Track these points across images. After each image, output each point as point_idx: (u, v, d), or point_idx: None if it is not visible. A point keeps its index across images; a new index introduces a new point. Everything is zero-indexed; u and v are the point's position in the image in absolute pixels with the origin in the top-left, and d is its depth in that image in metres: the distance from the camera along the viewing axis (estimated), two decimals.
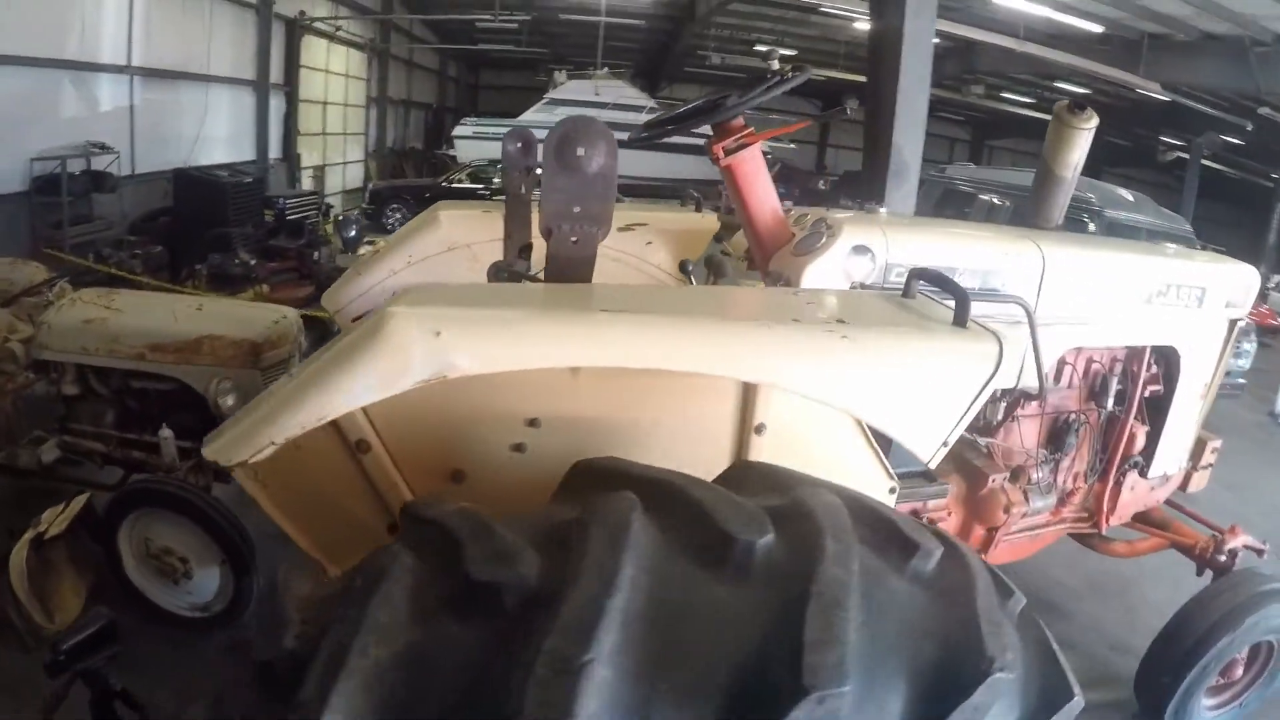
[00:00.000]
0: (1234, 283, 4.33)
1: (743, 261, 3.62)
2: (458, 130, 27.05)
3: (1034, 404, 3.89)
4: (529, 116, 26.74)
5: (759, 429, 2.17)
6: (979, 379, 2.18)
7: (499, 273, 2.67)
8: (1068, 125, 4.36)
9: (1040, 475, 4.06)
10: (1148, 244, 5.59)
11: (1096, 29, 16.88)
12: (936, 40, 22.13)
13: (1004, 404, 3.84)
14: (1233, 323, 4.44)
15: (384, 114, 27.97)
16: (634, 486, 1.55)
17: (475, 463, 1.99)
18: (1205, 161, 24.67)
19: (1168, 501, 5.02)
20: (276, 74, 19.99)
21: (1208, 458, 4.88)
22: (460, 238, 3.89)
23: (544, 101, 27.39)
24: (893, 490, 2.63)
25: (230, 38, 17.98)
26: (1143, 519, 4.94)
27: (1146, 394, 4.27)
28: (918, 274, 2.51)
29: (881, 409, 2.13)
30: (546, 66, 31.98)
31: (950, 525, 3.94)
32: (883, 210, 3.79)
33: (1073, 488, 4.32)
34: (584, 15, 24.84)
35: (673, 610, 1.32)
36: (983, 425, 3.89)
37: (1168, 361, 4.30)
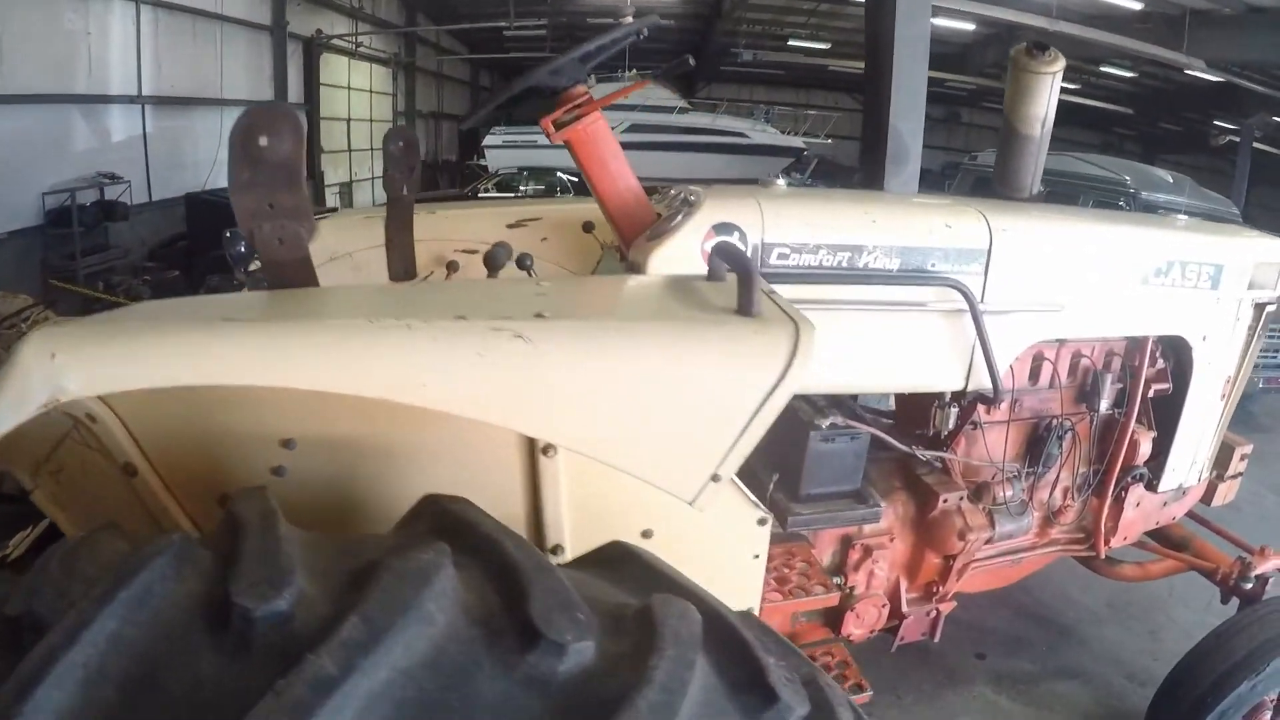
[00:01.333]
0: (1259, 259, 3.69)
1: (615, 252, 3.12)
2: (488, 140, 26.87)
3: (1002, 408, 3.36)
4: None
5: (547, 450, 1.77)
6: (759, 386, 1.65)
7: (258, 283, 2.34)
8: (1027, 71, 3.73)
9: (1010, 493, 3.49)
10: (1145, 216, 4.86)
11: (1136, 6, 16.17)
12: (972, 28, 21.78)
13: (954, 409, 3.28)
14: (1260, 307, 3.81)
15: (412, 128, 27.97)
16: (226, 522, 1.30)
17: (240, 486, 1.67)
18: (1258, 145, 23.57)
19: (1193, 515, 4.40)
20: (295, 93, 20.03)
21: (1236, 466, 4.24)
22: (341, 246, 3.61)
23: None
24: (762, 521, 2.26)
25: (245, 60, 18.09)
26: (1159, 537, 4.34)
27: (1151, 394, 3.69)
28: (719, 250, 2.03)
29: (592, 432, 1.63)
30: None
31: (894, 553, 3.44)
32: (781, 182, 3.11)
33: (1062, 505, 3.76)
34: (610, 18, 24.58)
35: (152, 675, 1.06)
36: (933, 436, 3.35)
37: (1177, 355, 3.71)
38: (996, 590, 5.19)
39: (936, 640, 3.59)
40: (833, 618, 3.36)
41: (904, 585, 3.50)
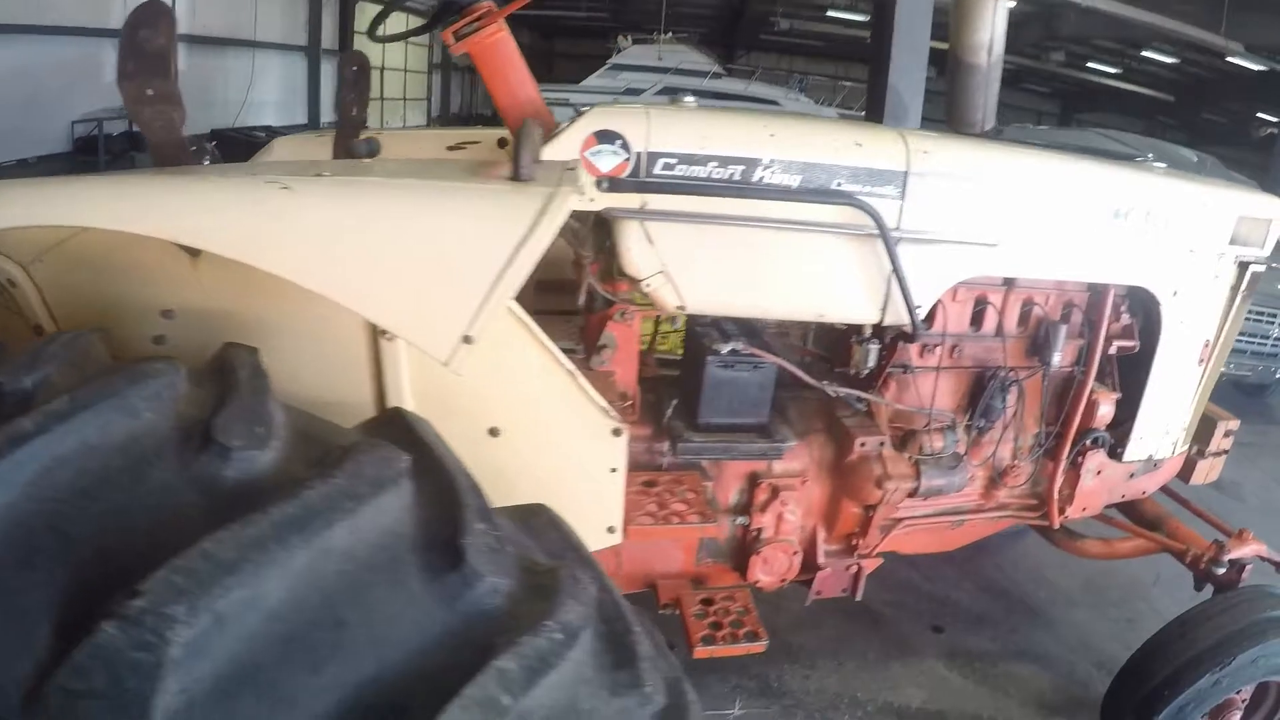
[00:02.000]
0: (1242, 213, 3.43)
1: None
2: None
3: (935, 352, 3.17)
4: (592, 82, 26.34)
5: (385, 333, 1.85)
6: (503, 246, 1.70)
7: None
8: None
9: (941, 444, 3.24)
10: (1104, 157, 4.51)
11: None
12: (1012, 3, 21.20)
13: (874, 346, 3.04)
14: (1244, 265, 3.56)
15: (447, 80, 27.84)
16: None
17: (130, 355, 1.81)
18: None
19: (1173, 495, 4.23)
20: (330, 40, 20.05)
21: (1220, 442, 4.02)
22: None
23: (607, 67, 26.89)
24: (617, 432, 2.29)
25: (282, 6, 18.45)
26: (1131, 514, 4.13)
27: (1114, 350, 3.45)
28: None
29: (348, 281, 1.68)
30: (619, 33, 31.63)
31: (809, 498, 3.24)
32: (691, 100, 2.90)
33: (1010, 465, 3.52)
34: None
35: None
36: (858, 376, 3.14)
37: (1146, 311, 3.47)
38: (960, 562, 4.99)
39: (858, 598, 3.41)
40: (742, 561, 3.21)
41: (821, 535, 3.32)
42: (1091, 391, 3.45)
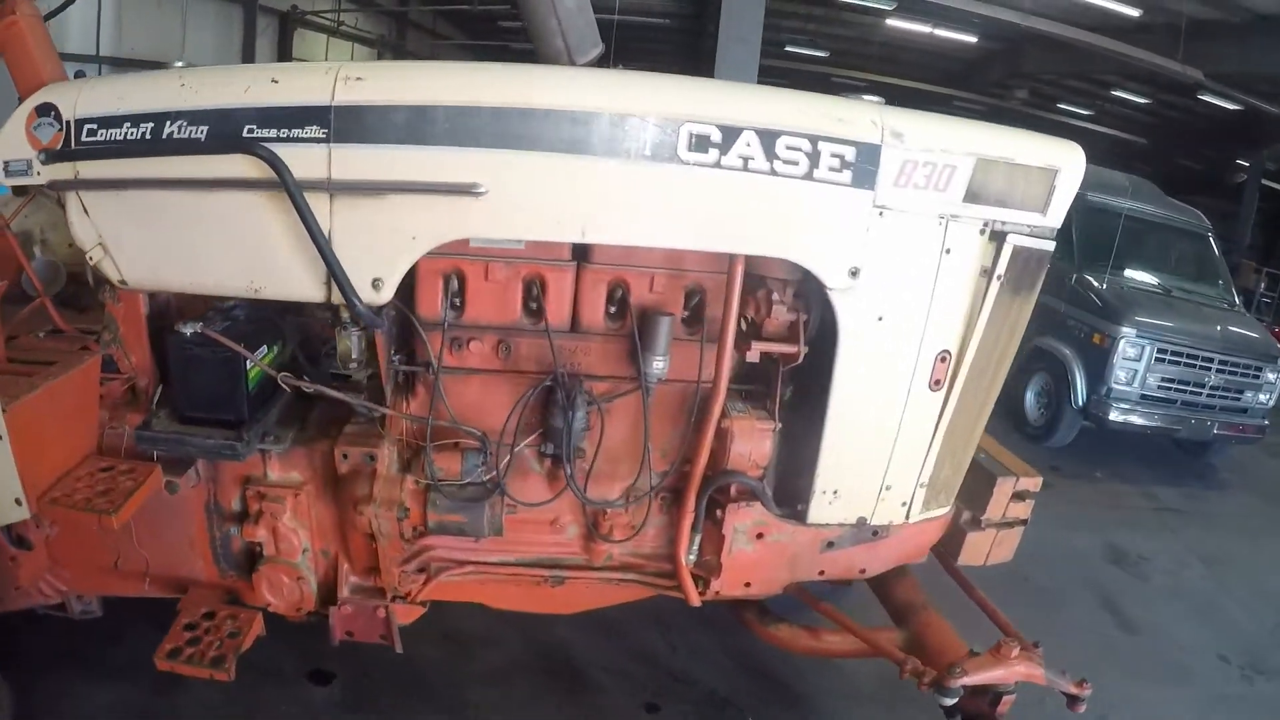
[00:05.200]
0: (986, 152, 2.44)
1: None
2: None
3: (469, 349, 2.63)
4: None
5: None
6: None
7: None
8: None
9: (460, 469, 2.62)
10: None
11: (1133, 13, 15.19)
12: (974, 40, 20.78)
13: (353, 333, 2.55)
14: (1000, 236, 2.54)
15: None
16: None
17: None
18: (1272, 183, 22.12)
19: (956, 575, 3.23)
20: None
21: (1005, 507, 3.02)
22: None
23: None
24: None
25: (214, 30, 17.96)
26: (882, 598, 3.17)
27: (756, 358, 2.59)
28: None
29: None
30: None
31: (314, 517, 2.78)
32: (179, 63, 2.61)
33: (605, 514, 2.78)
34: (602, 15, 23.95)
35: None
36: (354, 370, 2.64)
37: (824, 304, 2.52)
38: (735, 630, 3.96)
39: (399, 651, 2.81)
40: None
41: (345, 565, 2.77)
42: (725, 417, 2.58)
